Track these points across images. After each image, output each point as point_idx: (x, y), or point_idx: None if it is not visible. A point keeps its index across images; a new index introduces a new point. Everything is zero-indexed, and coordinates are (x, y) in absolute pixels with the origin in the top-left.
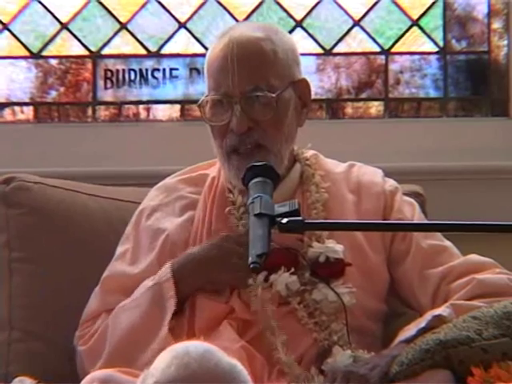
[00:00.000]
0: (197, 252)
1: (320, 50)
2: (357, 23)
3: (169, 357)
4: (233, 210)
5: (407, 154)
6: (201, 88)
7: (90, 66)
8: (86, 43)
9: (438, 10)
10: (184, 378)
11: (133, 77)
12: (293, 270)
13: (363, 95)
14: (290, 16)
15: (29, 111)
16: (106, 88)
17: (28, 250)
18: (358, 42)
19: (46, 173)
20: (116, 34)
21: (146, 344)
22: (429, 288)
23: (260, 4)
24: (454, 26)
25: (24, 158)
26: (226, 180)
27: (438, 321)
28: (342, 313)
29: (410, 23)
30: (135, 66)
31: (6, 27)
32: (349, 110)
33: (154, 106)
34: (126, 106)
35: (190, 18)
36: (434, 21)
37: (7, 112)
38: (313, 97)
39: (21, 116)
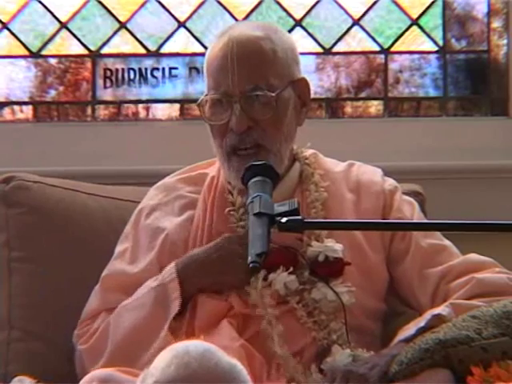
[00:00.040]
0: (200, 253)
1: (319, 49)
2: (356, 22)
3: (169, 356)
4: (232, 211)
5: (407, 153)
6: (200, 87)
7: (89, 65)
8: (85, 42)
9: (437, 9)
10: (184, 378)
11: (132, 76)
12: (291, 269)
13: (363, 94)
14: (290, 15)
15: (28, 110)
16: (105, 87)
17: (27, 249)
18: (357, 41)
19: (45, 172)
20: (115, 33)
21: (149, 344)
22: (428, 287)
23: (259, 3)
24: (453, 26)
25: (23, 157)
26: (225, 180)
27: (438, 320)
28: (341, 312)
29: (409, 22)
30: (135, 66)
31: (5, 26)
32: (348, 109)
33: (154, 106)
34: (126, 105)
35: (189, 18)
36: (434, 20)
37: (6, 111)
38: (312, 96)
39: (20, 115)
